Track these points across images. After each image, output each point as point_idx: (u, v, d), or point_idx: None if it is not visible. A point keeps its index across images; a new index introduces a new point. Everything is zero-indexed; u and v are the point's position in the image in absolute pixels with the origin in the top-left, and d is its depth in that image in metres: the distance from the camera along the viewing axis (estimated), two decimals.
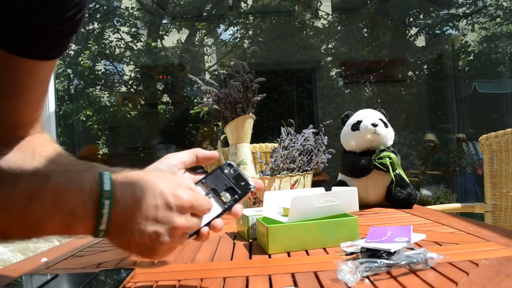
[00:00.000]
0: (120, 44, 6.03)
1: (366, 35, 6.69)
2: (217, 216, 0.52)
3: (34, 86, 0.61)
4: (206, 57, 6.55)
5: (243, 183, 0.53)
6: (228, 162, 0.55)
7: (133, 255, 0.50)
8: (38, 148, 0.62)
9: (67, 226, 0.45)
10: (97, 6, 5.84)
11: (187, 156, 0.59)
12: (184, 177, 0.58)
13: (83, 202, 0.45)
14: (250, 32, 6.70)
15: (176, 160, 0.58)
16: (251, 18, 6.53)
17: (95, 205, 0.45)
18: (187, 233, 0.51)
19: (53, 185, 0.45)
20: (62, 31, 0.57)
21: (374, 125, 1.10)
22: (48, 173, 0.48)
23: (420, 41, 6.33)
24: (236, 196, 0.52)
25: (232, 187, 0.53)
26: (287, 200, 0.73)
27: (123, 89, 6.38)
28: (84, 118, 5.45)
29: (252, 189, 0.53)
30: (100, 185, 0.46)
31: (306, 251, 0.67)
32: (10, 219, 0.44)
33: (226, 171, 0.54)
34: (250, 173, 1.24)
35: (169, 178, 0.51)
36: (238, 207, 0.54)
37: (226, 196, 0.53)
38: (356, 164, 1.11)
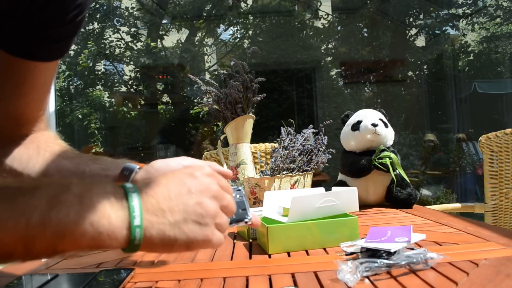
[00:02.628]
0: (120, 44, 6.03)
1: (366, 35, 6.69)
2: None
3: (35, 87, 0.61)
4: (206, 57, 6.55)
5: (241, 211, 0.53)
6: (238, 187, 0.56)
7: (182, 247, 0.45)
8: (42, 144, 0.63)
9: (97, 228, 0.40)
10: (97, 6, 5.84)
11: (200, 162, 0.58)
12: None
13: (109, 201, 0.42)
14: (250, 32, 6.70)
15: (187, 162, 0.58)
16: (251, 18, 6.53)
17: (122, 201, 0.42)
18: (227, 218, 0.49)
19: (74, 190, 0.41)
20: (64, 32, 0.57)
21: (374, 125, 1.10)
22: (66, 182, 0.43)
23: (420, 41, 6.33)
24: (229, 219, 0.51)
25: None
26: (287, 200, 0.73)
27: (123, 89, 6.39)
28: (80, 116, 5.45)
29: (246, 220, 0.53)
30: (123, 186, 0.44)
31: (306, 251, 0.67)
32: (32, 222, 0.38)
33: (232, 194, 0.54)
34: (250, 173, 1.24)
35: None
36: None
37: None
38: (356, 164, 1.11)
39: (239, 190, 0.55)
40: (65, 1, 0.54)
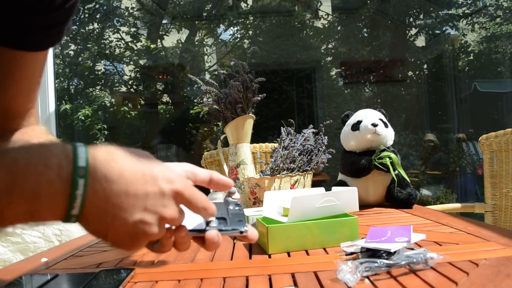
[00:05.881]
0: (120, 44, 6.03)
1: (366, 35, 6.69)
2: (196, 230, 0.49)
3: (22, 79, 0.58)
4: (206, 57, 6.55)
5: (238, 220, 0.51)
6: (237, 202, 0.55)
7: (108, 244, 0.43)
8: (34, 139, 0.60)
9: (30, 212, 0.37)
10: (97, 6, 5.85)
11: (201, 170, 0.54)
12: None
13: (49, 181, 0.37)
14: (250, 32, 6.70)
15: (189, 168, 0.53)
16: (251, 18, 6.54)
17: (65, 185, 0.37)
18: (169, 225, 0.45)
19: (7, 162, 0.36)
20: (51, 19, 0.55)
21: (374, 125, 1.10)
22: (2, 149, 0.38)
23: (420, 41, 6.33)
24: (223, 227, 0.49)
25: (226, 219, 0.51)
26: (287, 200, 0.73)
27: (123, 89, 6.39)
28: (83, 117, 5.46)
29: (241, 231, 0.49)
30: (73, 161, 0.38)
31: (306, 251, 0.67)
32: None
33: (230, 207, 0.53)
34: (250, 173, 1.24)
35: (160, 163, 0.45)
36: (214, 232, 0.48)
37: (214, 220, 0.50)
38: (356, 164, 1.11)
39: (238, 204, 0.54)
40: None
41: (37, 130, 0.63)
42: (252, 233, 0.51)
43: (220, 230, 0.48)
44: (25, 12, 0.51)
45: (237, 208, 0.53)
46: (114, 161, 0.41)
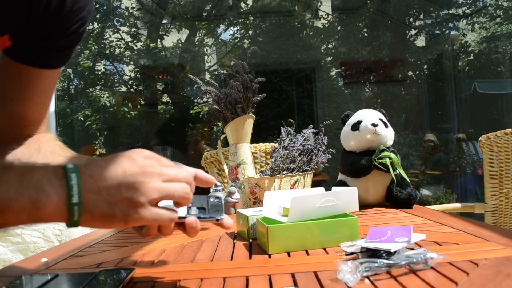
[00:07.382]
0: (120, 44, 6.03)
1: (366, 35, 6.69)
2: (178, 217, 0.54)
3: (39, 92, 0.66)
4: (206, 57, 6.55)
5: (215, 210, 0.57)
6: (217, 195, 0.60)
7: (120, 222, 0.48)
8: (44, 144, 0.68)
9: (35, 204, 0.43)
10: (97, 6, 5.84)
11: (188, 169, 0.60)
12: None
13: (49, 179, 0.44)
14: (250, 32, 6.70)
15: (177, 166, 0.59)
16: (251, 18, 6.53)
17: (62, 180, 0.44)
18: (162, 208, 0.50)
19: (16, 170, 0.44)
20: (66, 42, 0.63)
21: (374, 125, 1.10)
22: (8, 164, 0.46)
23: (420, 41, 6.33)
24: (201, 215, 0.56)
25: (205, 208, 0.57)
26: (287, 200, 0.73)
27: (123, 89, 6.38)
28: (82, 118, 5.46)
29: (217, 219, 0.56)
30: (63, 167, 0.46)
31: (306, 251, 0.67)
32: None
33: (211, 199, 0.58)
34: (250, 173, 1.24)
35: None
36: (193, 218, 0.54)
37: (194, 209, 0.56)
38: (356, 164, 1.11)
39: (218, 197, 0.60)
40: (68, 15, 0.59)
41: (47, 137, 0.71)
42: (228, 221, 0.56)
43: (199, 218, 0.54)
44: (44, 38, 0.60)
45: (216, 200, 0.59)
46: (95, 160, 0.48)
